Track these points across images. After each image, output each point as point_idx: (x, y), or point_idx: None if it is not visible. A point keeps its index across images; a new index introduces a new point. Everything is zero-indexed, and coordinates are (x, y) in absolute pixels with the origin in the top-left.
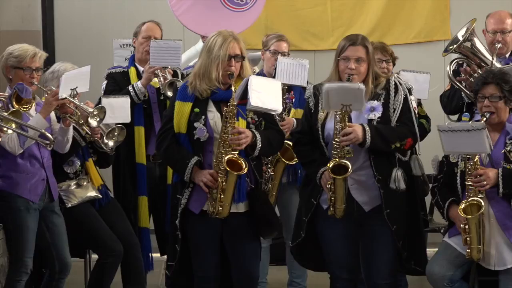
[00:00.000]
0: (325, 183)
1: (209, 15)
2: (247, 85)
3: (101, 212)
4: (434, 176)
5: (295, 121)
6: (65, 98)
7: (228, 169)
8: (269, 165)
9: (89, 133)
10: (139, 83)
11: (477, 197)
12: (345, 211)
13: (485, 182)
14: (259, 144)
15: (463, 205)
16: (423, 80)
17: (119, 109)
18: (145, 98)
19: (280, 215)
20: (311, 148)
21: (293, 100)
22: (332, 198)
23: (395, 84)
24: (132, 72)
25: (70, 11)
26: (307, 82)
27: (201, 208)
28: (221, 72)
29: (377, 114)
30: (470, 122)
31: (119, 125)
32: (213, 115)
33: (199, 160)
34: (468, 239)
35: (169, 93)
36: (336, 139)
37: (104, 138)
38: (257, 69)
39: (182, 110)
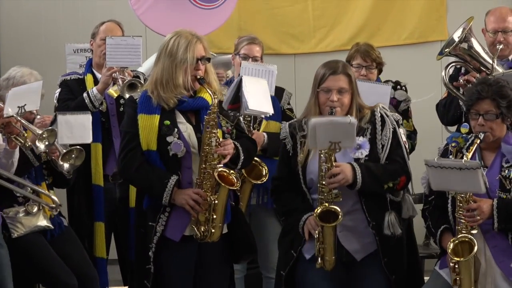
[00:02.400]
0: (310, 230)
1: (174, 14)
2: (238, 88)
3: (53, 242)
4: (424, 197)
5: (265, 136)
6: (12, 116)
7: (222, 183)
8: None
9: (46, 151)
10: (94, 89)
11: (469, 233)
12: (335, 262)
13: (479, 217)
14: (241, 155)
15: (451, 245)
16: (383, 92)
17: (78, 128)
18: (102, 106)
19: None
20: (291, 196)
21: None
22: (320, 249)
23: (381, 116)
24: (89, 79)
25: (17, 12)
26: (284, 91)
27: (182, 234)
28: (189, 77)
29: (364, 152)
30: (463, 161)
31: (78, 147)
32: (186, 127)
33: (178, 179)
34: (457, 279)
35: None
36: (323, 182)
37: (59, 160)
38: (230, 74)
39: (149, 124)
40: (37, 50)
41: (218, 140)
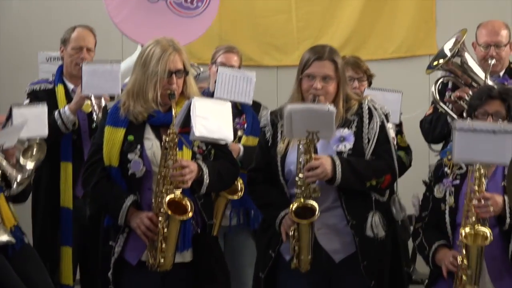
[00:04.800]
0: (286, 230)
1: (153, 22)
2: (189, 110)
3: (13, 261)
4: (416, 216)
5: (241, 148)
6: None
7: (169, 212)
8: None
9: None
10: (67, 108)
11: (481, 225)
12: (311, 263)
13: (492, 208)
14: (206, 180)
15: (467, 229)
16: (393, 100)
17: (34, 121)
18: (75, 127)
19: (230, 266)
20: (268, 188)
21: (245, 125)
22: (295, 248)
23: (369, 109)
24: (60, 91)
25: None
26: (261, 106)
27: (139, 258)
28: (160, 91)
29: (348, 145)
30: (498, 123)
31: (38, 142)
32: (151, 144)
33: (135, 200)
34: (463, 276)
35: None
36: (300, 175)
37: (21, 160)
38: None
39: (113, 138)
40: (7, 57)
41: (177, 163)
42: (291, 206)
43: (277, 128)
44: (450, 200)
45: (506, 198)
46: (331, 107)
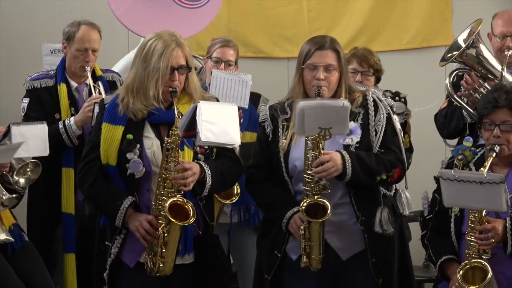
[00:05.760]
0: (297, 230)
1: (156, 14)
2: (194, 113)
3: (13, 260)
4: (422, 218)
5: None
6: None
7: (170, 218)
8: None
9: None
10: (72, 121)
11: (481, 258)
12: (322, 261)
13: (493, 240)
14: (208, 181)
15: (462, 271)
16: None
17: (34, 140)
18: (79, 140)
19: (235, 263)
20: (269, 186)
21: (241, 120)
22: (306, 247)
23: (374, 100)
24: (63, 90)
25: None
26: (261, 97)
27: (137, 260)
28: (162, 88)
29: (355, 138)
30: (485, 173)
31: (34, 161)
32: (151, 143)
33: (134, 201)
34: None
35: None
36: (308, 171)
37: (14, 174)
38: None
39: (111, 135)
40: (10, 49)
41: (180, 165)
42: (301, 204)
43: (277, 123)
44: (456, 209)
45: (507, 222)
46: (346, 102)
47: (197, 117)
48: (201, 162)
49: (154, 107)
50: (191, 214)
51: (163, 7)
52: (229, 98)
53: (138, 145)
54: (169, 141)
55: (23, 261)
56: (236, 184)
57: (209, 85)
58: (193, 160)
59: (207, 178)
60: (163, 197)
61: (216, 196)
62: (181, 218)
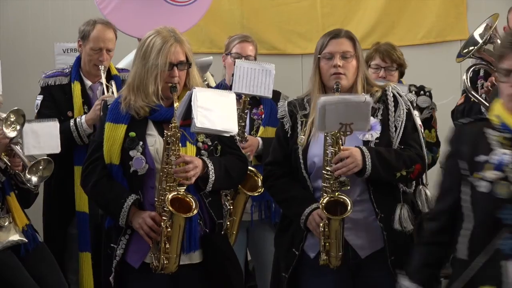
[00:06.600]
0: (316, 227)
1: (145, 13)
2: (190, 101)
3: (26, 261)
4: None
5: (260, 141)
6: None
7: (172, 210)
8: (228, 197)
9: (9, 164)
10: (84, 120)
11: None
12: (341, 259)
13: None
14: (211, 176)
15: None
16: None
17: (45, 137)
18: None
19: (253, 260)
20: (287, 182)
21: (263, 116)
22: (326, 245)
23: (394, 96)
24: (76, 89)
25: (2, 10)
26: (281, 95)
27: (142, 261)
28: (161, 84)
29: (375, 134)
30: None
31: (46, 158)
32: (154, 140)
33: (137, 199)
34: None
35: None
36: (328, 168)
37: (26, 172)
38: (211, 79)
39: (114, 134)
40: (24, 49)
41: (180, 158)
42: (321, 201)
43: (296, 119)
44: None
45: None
46: (368, 97)
47: (192, 103)
48: (204, 158)
49: (155, 104)
50: (194, 206)
51: (152, 4)
52: (253, 88)
53: (141, 142)
54: (169, 134)
55: (37, 262)
56: (260, 176)
57: (231, 83)
58: (195, 156)
59: (210, 173)
60: (165, 192)
61: (240, 188)
62: (183, 212)
